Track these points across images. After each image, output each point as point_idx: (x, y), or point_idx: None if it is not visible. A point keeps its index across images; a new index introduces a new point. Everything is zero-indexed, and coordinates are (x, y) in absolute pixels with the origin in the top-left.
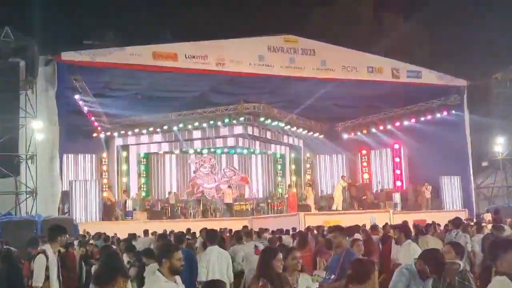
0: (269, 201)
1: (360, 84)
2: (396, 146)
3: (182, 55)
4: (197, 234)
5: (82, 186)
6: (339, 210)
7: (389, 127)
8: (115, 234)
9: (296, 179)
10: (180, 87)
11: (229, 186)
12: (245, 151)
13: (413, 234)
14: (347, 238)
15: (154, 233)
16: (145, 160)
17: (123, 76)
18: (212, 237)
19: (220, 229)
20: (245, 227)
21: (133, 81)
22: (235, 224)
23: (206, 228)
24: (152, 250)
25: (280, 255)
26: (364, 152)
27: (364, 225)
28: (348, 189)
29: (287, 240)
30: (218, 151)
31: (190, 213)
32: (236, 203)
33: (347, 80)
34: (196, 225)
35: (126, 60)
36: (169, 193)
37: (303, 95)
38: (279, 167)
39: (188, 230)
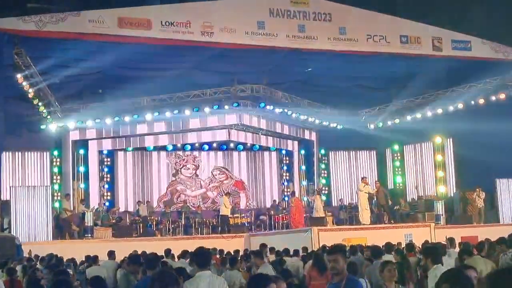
0: (272, 212)
1: (391, 59)
2: (439, 140)
3: (158, 21)
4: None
5: (27, 194)
6: (364, 224)
7: (429, 114)
8: (73, 258)
9: (307, 183)
10: (155, 64)
11: (227, 193)
12: (240, 147)
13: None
14: (373, 261)
15: (123, 261)
16: (109, 159)
17: (80, 50)
18: (203, 259)
19: (208, 249)
20: (236, 252)
21: (93, 56)
22: (227, 244)
23: (187, 251)
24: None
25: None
26: (396, 147)
27: (400, 244)
28: (376, 196)
29: (295, 263)
30: (205, 147)
31: (169, 229)
32: (229, 216)
33: (374, 54)
34: (176, 245)
35: (83, 29)
36: (139, 202)
37: (316, 73)
38: (285, 168)
39: (168, 251)
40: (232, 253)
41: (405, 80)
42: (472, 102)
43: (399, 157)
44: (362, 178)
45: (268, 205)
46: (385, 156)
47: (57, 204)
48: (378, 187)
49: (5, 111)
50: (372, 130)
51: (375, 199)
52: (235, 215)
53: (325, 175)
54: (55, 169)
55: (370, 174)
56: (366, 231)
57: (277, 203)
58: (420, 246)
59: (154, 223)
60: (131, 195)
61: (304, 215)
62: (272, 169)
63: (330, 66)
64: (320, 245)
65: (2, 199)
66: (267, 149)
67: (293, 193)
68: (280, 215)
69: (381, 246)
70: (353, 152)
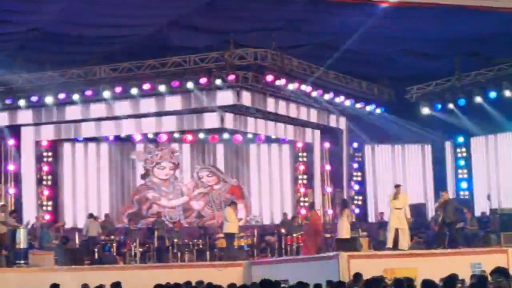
0: (283, 231)
1: (454, 14)
2: None
3: None
4: None
5: None
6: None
7: (507, 94)
8: None
9: (333, 190)
10: (115, 19)
11: (232, 203)
12: (238, 137)
13: None
14: None
15: None
16: (50, 154)
17: None
18: None
19: (189, 284)
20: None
21: (27, 5)
22: (219, 276)
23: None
24: None
25: None
26: (460, 139)
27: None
28: (443, 211)
29: None
30: (188, 137)
31: (135, 253)
32: (220, 235)
33: (429, 6)
34: (145, 276)
35: None
36: (90, 216)
37: (346, 33)
38: (302, 168)
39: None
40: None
41: (474, 44)
42: None
43: (464, 154)
44: (396, 186)
45: (278, 220)
46: (444, 153)
47: None
48: (446, 199)
49: None
50: (426, 116)
51: (439, 216)
52: None
53: (359, 178)
54: None
55: (423, 177)
56: (417, 259)
57: (289, 217)
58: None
59: (115, 244)
60: (82, 205)
61: (327, 235)
62: (283, 169)
63: (365, 22)
64: (352, 276)
65: None
66: (277, 140)
67: (311, 204)
68: (294, 235)
69: (437, 281)
70: (399, 146)
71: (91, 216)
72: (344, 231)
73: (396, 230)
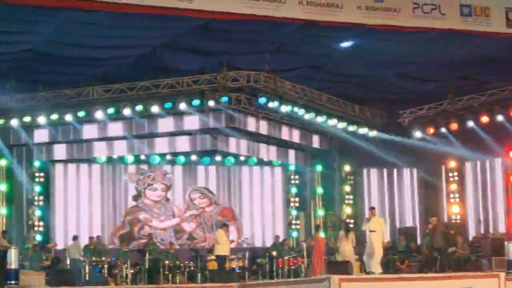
0: (275, 254)
1: (447, 38)
2: None
3: None
4: None
5: None
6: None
7: (499, 118)
8: None
9: (325, 214)
10: (109, 40)
11: (224, 225)
12: (230, 160)
13: None
14: None
15: None
16: (42, 174)
17: (5, 17)
18: None
19: None
20: None
21: (22, 25)
22: None
23: None
24: None
25: None
26: (452, 164)
27: None
28: (432, 236)
29: None
30: (180, 159)
31: (126, 275)
32: (211, 257)
33: (423, 30)
34: None
35: None
36: (75, 237)
37: (340, 57)
38: (293, 190)
39: None
40: None
41: (466, 69)
42: None
43: (456, 179)
44: (370, 209)
45: (269, 243)
46: (437, 177)
47: None
48: (435, 224)
49: None
50: (419, 140)
51: (428, 241)
52: None
53: (351, 202)
54: None
55: (415, 201)
56: (409, 283)
57: (281, 240)
58: None
59: (106, 266)
60: (73, 225)
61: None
62: (275, 191)
63: (359, 46)
64: None
65: None
66: (269, 163)
67: (317, 227)
68: (286, 258)
69: None
70: (391, 170)
71: (76, 238)
72: (348, 253)
73: (371, 253)
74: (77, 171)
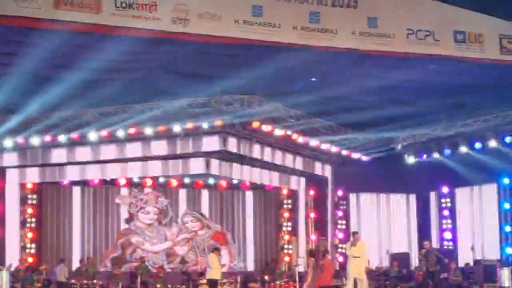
0: (267, 278)
1: (441, 64)
2: (506, 180)
3: (110, 2)
4: None
5: None
6: None
7: (493, 144)
8: None
9: (318, 237)
10: (103, 63)
11: (216, 249)
12: (223, 183)
13: None
14: None
15: None
16: (35, 197)
17: None
18: None
19: None
20: None
21: (16, 47)
22: None
23: None
24: None
25: None
26: (445, 190)
27: None
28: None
29: None
30: (173, 182)
31: None
32: (203, 281)
33: (417, 56)
34: None
35: (4, 9)
36: (61, 261)
37: (334, 82)
38: (286, 214)
39: None
40: None
41: (460, 95)
42: None
43: (448, 205)
44: (353, 234)
45: (263, 266)
46: (429, 203)
47: None
48: (428, 248)
49: None
50: (412, 166)
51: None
52: None
53: (344, 227)
54: None
55: (407, 227)
56: None
57: (274, 264)
58: None
59: None
60: (66, 247)
61: None
62: (268, 216)
63: (353, 72)
64: None
65: None
66: (262, 187)
67: (325, 251)
68: (278, 282)
69: None
70: (384, 195)
71: (62, 261)
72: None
73: (355, 279)
74: (70, 194)
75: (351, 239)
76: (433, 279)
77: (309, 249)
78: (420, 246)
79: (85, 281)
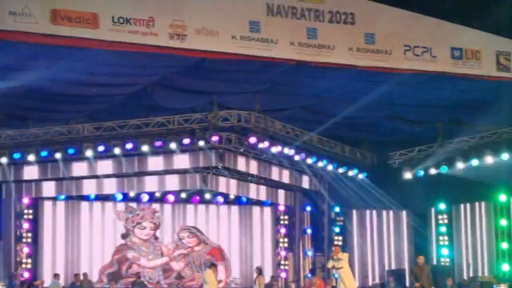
0: None
1: (438, 81)
2: (503, 198)
3: (107, 17)
4: None
5: None
6: None
7: (490, 161)
8: None
9: (313, 254)
10: (100, 78)
11: (212, 265)
12: (220, 199)
13: None
14: None
15: None
16: (31, 211)
17: None
18: None
19: None
20: None
21: (12, 62)
22: None
23: None
24: None
25: None
26: (442, 206)
27: None
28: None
29: None
30: (170, 198)
31: None
32: None
33: (414, 72)
34: None
35: (2, 24)
36: (55, 275)
37: (331, 98)
38: (283, 230)
39: None
40: None
41: (457, 111)
42: None
43: (445, 221)
44: (334, 246)
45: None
46: (426, 220)
47: None
48: (422, 264)
49: None
50: (408, 182)
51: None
52: None
53: (340, 243)
54: None
55: (404, 243)
56: None
57: (271, 283)
58: None
59: None
60: (62, 263)
61: None
62: (264, 231)
63: (350, 88)
64: None
65: None
66: (259, 203)
67: (312, 271)
68: None
69: None
70: (381, 211)
71: (56, 276)
72: None
73: None
74: (66, 209)
75: (331, 253)
76: None
77: (311, 268)
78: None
79: None
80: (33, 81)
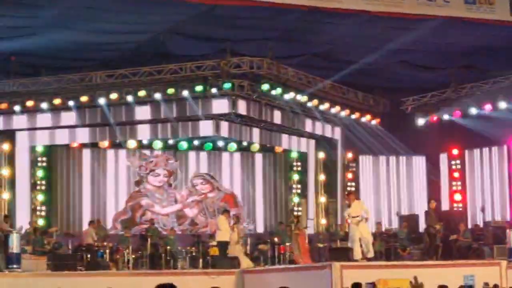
0: (277, 240)
1: (451, 26)
2: None
3: None
4: None
5: None
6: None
7: (502, 105)
8: None
9: (327, 199)
10: (108, 24)
11: (225, 211)
12: (233, 146)
13: None
14: None
15: None
16: (45, 158)
17: (8, 1)
18: None
19: None
20: None
21: (25, 10)
22: (211, 284)
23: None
24: None
25: None
26: (454, 152)
27: None
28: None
29: None
30: (183, 145)
31: (128, 260)
32: (213, 243)
33: (426, 18)
34: (139, 283)
35: None
36: (91, 222)
37: (343, 44)
38: (296, 176)
39: None
40: None
41: (470, 57)
42: None
43: (458, 167)
44: (347, 194)
45: (272, 228)
46: (439, 165)
47: None
48: (434, 208)
49: None
50: (421, 127)
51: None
52: None
53: (353, 189)
54: None
55: (417, 188)
56: (410, 270)
57: (284, 226)
58: None
59: (108, 251)
60: (76, 210)
61: (321, 245)
62: (277, 178)
63: (362, 34)
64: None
65: None
66: (271, 149)
67: (294, 220)
68: (287, 244)
69: None
70: (393, 157)
71: (91, 222)
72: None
73: (360, 240)
74: (79, 156)
75: (347, 200)
76: (436, 242)
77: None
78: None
79: (95, 243)
80: (44, 30)
